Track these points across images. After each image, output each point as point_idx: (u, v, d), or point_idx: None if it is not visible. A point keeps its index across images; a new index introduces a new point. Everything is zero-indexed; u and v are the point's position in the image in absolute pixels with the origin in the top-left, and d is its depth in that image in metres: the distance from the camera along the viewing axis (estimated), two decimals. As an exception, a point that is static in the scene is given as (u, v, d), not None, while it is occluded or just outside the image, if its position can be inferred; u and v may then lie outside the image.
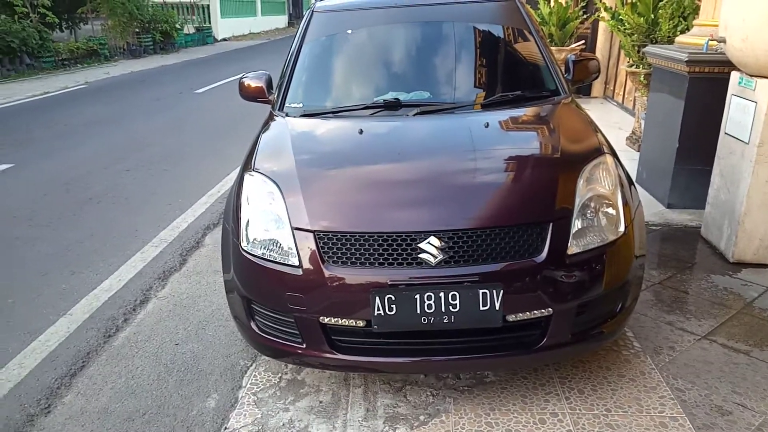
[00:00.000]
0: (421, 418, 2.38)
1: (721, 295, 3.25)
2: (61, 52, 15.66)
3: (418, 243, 2.15)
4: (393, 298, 2.12)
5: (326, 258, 2.21)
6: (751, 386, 2.50)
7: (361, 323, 2.21)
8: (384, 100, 3.02)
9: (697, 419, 2.31)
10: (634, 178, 3.27)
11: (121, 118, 9.10)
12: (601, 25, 8.53)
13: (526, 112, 2.99)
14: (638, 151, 5.42)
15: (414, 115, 2.90)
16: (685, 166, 4.30)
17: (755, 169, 3.38)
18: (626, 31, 5.79)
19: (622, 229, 2.34)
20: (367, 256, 2.18)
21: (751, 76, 3.39)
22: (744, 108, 3.45)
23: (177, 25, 21.13)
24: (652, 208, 4.41)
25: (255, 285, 2.40)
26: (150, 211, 4.97)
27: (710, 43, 3.96)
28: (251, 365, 2.79)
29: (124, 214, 4.93)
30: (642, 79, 5.76)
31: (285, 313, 2.31)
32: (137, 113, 9.55)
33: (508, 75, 3.32)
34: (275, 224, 2.35)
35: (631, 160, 5.14)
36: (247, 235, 2.40)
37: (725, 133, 3.68)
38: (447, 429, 2.31)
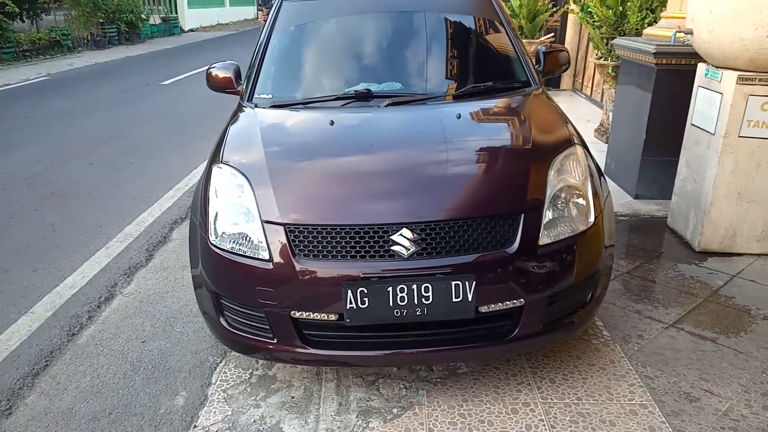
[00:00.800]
0: (395, 411, 2.37)
1: (688, 283, 3.31)
2: (22, 43, 15.20)
3: (391, 235, 2.13)
4: (365, 291, 2.10)
5: (297, 251, 2.17)
6: (717, 373, 2.55)
7: (333, 317, 2.18)
8: (355, 91, 2.98)
9: (666, 406, 2.34)
10: (602, 170, 3.29)
11: (85, 111, 8.86)
12: (570, 17, 8.61)
13: (497, 103, 2.98)
14: (606, 143, 5.49)
15: (385, 106, 2.86)
16: (652, 157, 4.36)
17: (721, 160, 3.44)
18: (595, 23, 5.85)
19: (592, 219, 2.36)
20: (338, 249, 2.15)
21: (717, 67, 3.45)
22: (710, 99, 3.51)
23: (143, 16, 20.68)
24: (620, 199, 4.47)
25: (224, 280, 2.35)
26: (115, 206, 4.85)
27: (677, 35, 4.02)
28: (221, 362, 2.74)
29: (88, 209, 4.79)
30: (610, 71, 5.82)
31: (255, 307, 2.26)
32: (102, 105, 9.31)
33: (479, 66, 3.31)
34: (244, 217, 2.30)
35: (599, 152, 5.19)
36: (215, 228, 2.35)
37: (692, 124, 3.74)
38: (420, 421, 2.30)
